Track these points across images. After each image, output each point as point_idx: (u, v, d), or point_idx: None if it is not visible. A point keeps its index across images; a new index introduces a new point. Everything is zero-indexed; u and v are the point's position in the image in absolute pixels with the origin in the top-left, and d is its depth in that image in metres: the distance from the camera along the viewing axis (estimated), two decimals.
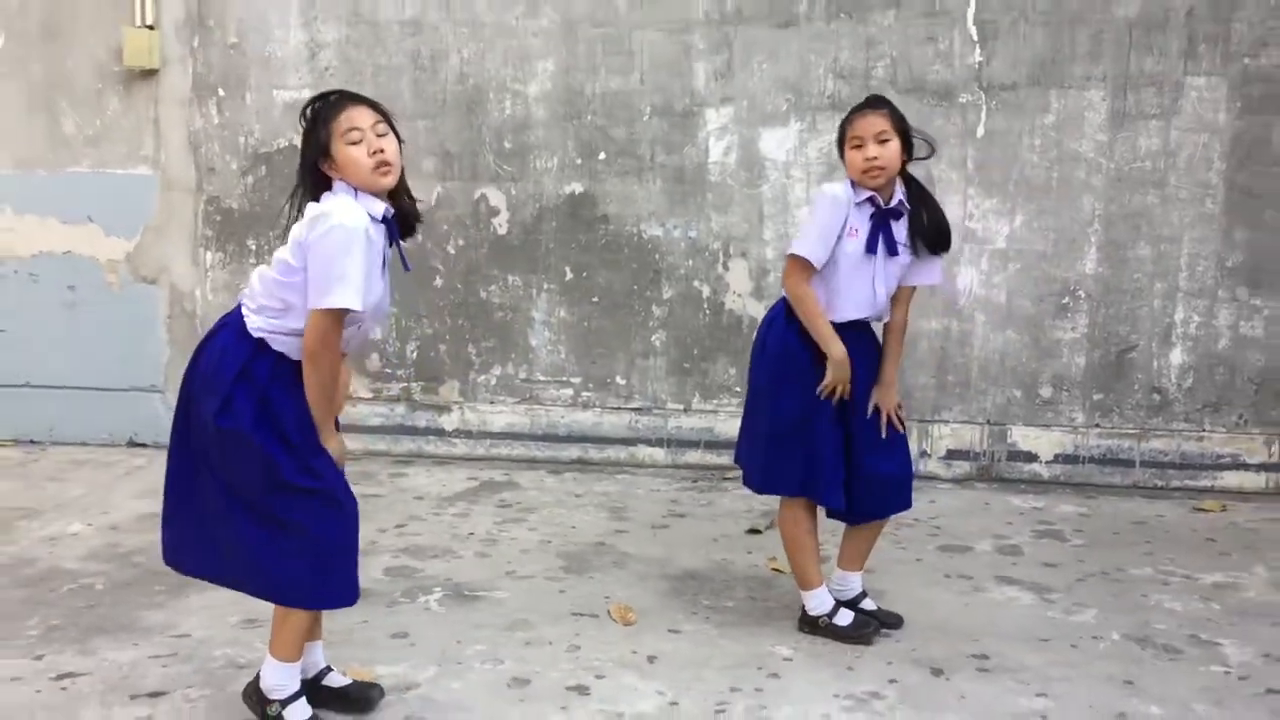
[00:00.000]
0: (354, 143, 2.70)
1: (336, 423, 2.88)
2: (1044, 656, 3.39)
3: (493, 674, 3.25)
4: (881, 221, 3.31)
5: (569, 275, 5.37)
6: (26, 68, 5.46)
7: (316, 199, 2.75)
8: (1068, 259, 5.09)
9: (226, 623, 3.55)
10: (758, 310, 5.19)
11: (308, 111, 2.76)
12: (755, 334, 3.60)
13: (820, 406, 3.37)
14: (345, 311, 2.66)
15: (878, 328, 3.51)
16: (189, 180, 5.49)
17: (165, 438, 5.48)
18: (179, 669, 3.25)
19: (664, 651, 3.41)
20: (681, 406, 5.38)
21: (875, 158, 3.24)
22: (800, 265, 3.31)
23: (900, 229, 3.34)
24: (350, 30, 5.33)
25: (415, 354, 5.49)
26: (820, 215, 3.31)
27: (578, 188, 5.32)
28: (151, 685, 3.15)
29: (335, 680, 3.02)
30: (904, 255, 3.35)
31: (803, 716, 3.01)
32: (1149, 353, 5.11)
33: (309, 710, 2.86)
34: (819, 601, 3.51)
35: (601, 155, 5.29)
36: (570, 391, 5.44)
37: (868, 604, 3.60)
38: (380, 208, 2.74)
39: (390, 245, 2.81)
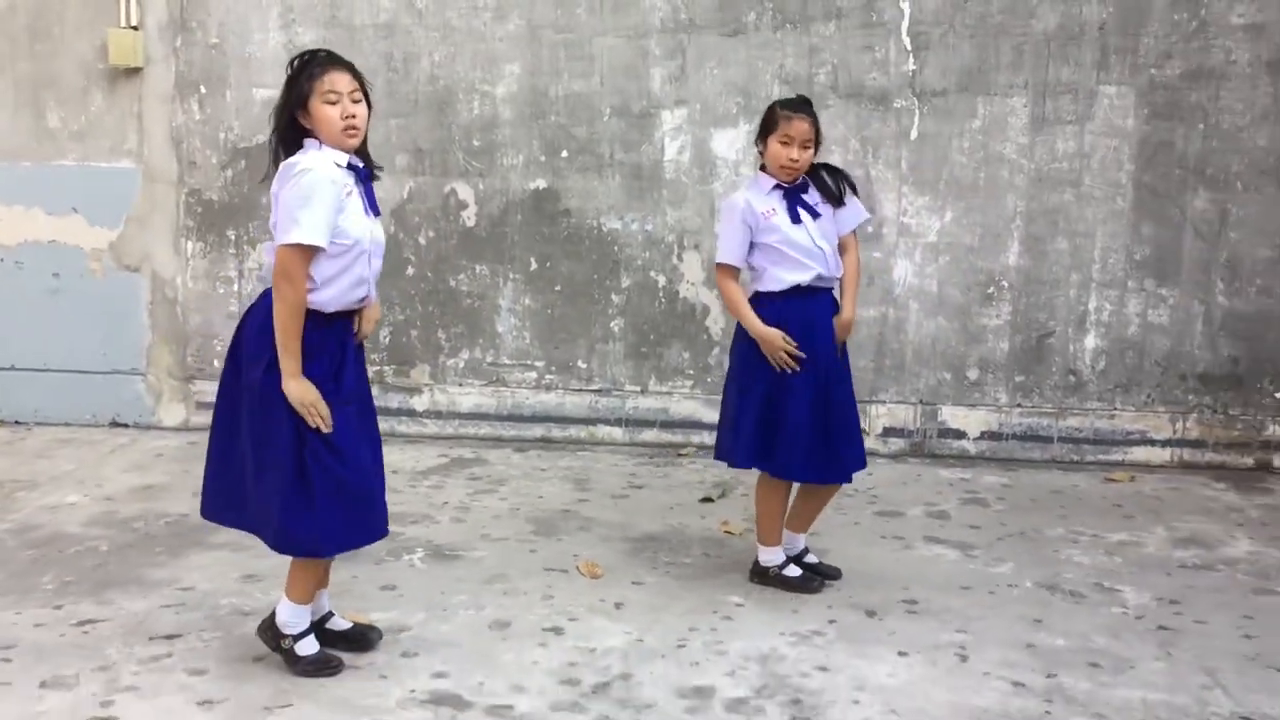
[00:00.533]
0: (331, 103, 2.99)
1: (362, 353, 3.17)
2: (965, 600, 3.82)
3: (476, 618, 3.62)
4: (793, 195, 3.76)
5: (533, 265, 5.73)
6: (14, 66, 5.69)
7: (289, 155, 3.02)
8: (993, 252, 5.54)
9: (228, 578, 3.88)
10: (710, 299, 5.59)
11: (295, 63, 3.04)
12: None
13: (785, 390, 3.73)
14: (307, 249, 2.91)
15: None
16: (171, 173, 5.75)
17: (147, 419, 5.88)
18: (189, 615, 3.58)
19: (629, 599, 3.79)
20: (639, 388, 5.76)
21: (797, 161, 3.70)
22: (724, 269, 3.82)
23: (811, 195, 3.81)
24: (326, 32, 5.62)
25: (388, 339, 5.82)
26: (726, 225, 3.83)
27: (542, 183, 5.68)
28: (166, 629, 3.48)
29: (338, 624, 3.36)
30: (825, 211, 3.81)
31: (754, 649, 3.41)
32: (1066, 338, 5.57)
33: (317, 645, 3.20)
34: (772, 556, 3.92)
35: (564, 153, 5.65)
36: (534, 374, 5.80)
37: (810, 559, 4.02)
38: (345, 158, 3.04)
39: (360, 183, 3.05)
